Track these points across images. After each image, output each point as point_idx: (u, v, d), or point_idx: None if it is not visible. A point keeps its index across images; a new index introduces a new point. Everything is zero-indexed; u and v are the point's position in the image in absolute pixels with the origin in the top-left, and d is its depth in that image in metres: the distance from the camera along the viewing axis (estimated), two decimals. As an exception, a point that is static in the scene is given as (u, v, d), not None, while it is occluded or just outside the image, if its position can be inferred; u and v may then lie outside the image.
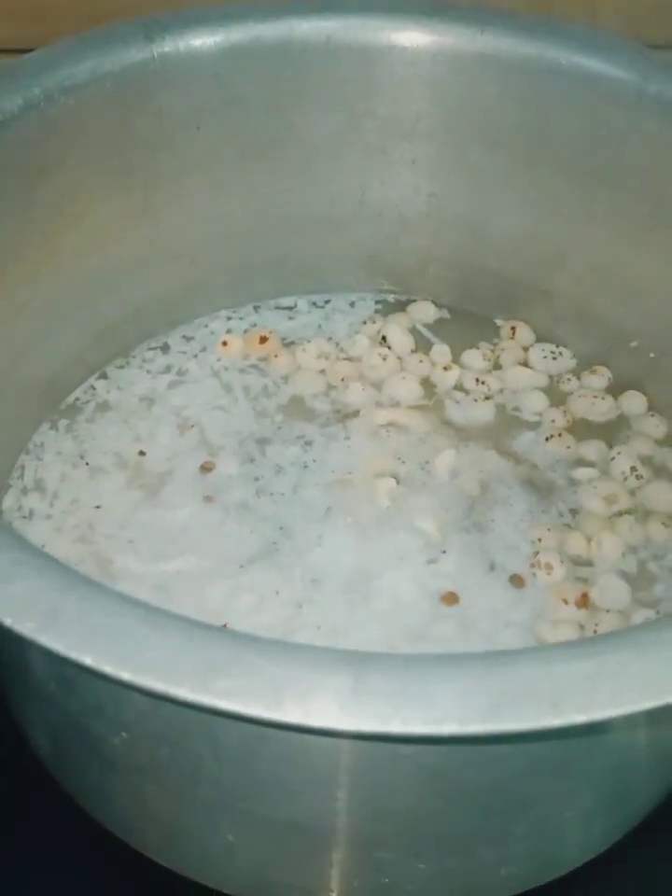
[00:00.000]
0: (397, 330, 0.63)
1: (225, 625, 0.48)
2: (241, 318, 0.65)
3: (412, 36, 0.54)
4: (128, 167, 0.54)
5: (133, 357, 0.62)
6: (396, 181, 0.60)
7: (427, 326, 0.65)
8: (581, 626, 0.49)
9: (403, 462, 0.56)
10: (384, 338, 0.63)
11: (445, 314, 0.65)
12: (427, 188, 0.60)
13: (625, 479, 0.55)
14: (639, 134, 0.52)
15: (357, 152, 0.59)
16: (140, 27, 0.51)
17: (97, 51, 0.50)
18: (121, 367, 0.61)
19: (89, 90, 0.50)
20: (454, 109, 0.56)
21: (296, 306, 0.66)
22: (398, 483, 0.55)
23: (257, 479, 0.55)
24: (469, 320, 0.65)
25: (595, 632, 0.48)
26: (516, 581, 0.50)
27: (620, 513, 0.54)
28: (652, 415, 0.58)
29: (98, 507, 0.53)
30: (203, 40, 0.52)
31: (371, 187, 0.60)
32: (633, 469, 0.55)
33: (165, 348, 0.63)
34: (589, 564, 0.52)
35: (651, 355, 0.58)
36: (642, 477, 0.55)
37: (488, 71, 0.54)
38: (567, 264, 0.59)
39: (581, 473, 0.56)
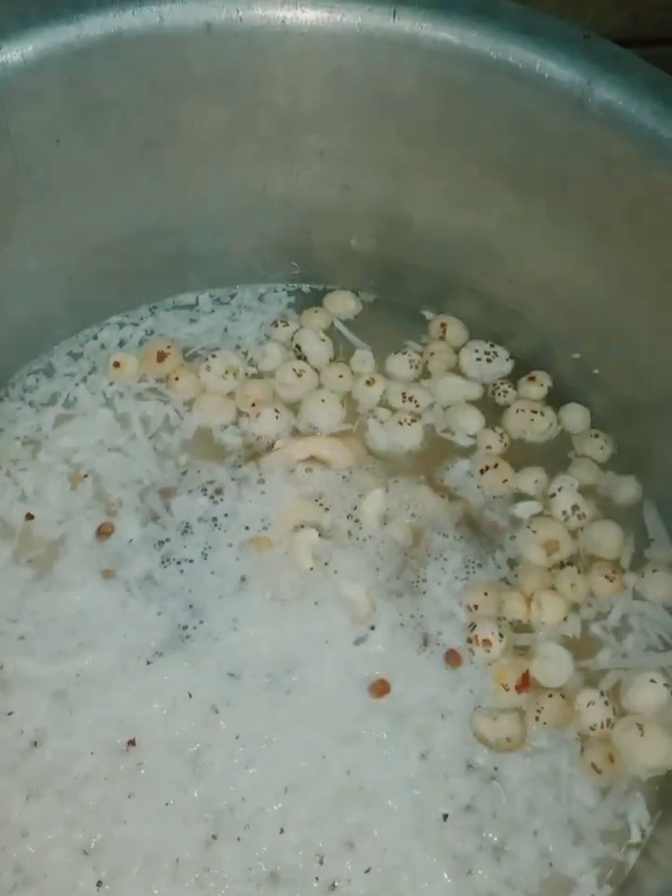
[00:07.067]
0: (312, 338, 0.56)
1: (133, 742, 0.44)
2: (135, 324, 0.57)
3: (309, 19, 0.44)
4: (-25, 199, 0.44)
5: (13, 385, 0.54)
6: (302, 173, 0.51)
7: (346, 323, 0.57)
8: (523, 712, 0.45)
9: (326, 508, 0.51)
10: (298, 347, 0.55)
11: (368, 297, 0.58)
12: (340, 179, 0.52)
13: (567, 519, 0.50)
14: (581, 144, 0.44)
15: (252, 145, 0.50)
16: (-32, 34, 0.41)
17: None
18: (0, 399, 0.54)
19: None
20: (365, 100, 0.47)
21: (197, 304, 0.58)
22: (320, 535, 0.50)
23: (161, 543, 0.49)
24: (393, 312, 0.58)
25: (538, 718, 0.45)
26: (452, 658, 0.46)
27: (561, 564, 0.49)
28: (596, 435, 0.53)
29: (-17, 593, 0.48)
30: (50, 41, 0.42)
31: (273, 179, 0.52)
32: (575, 507, 0.50)
33: (49, 371, 0.55)
34: (529, 629, 0.48)
35: (595, 371, 0.52)
36: (584, 516, 0.50)
37: (403, 59, 0.45)
38: (499, 266, 0.52)
39: (521, 509, 0.51)
